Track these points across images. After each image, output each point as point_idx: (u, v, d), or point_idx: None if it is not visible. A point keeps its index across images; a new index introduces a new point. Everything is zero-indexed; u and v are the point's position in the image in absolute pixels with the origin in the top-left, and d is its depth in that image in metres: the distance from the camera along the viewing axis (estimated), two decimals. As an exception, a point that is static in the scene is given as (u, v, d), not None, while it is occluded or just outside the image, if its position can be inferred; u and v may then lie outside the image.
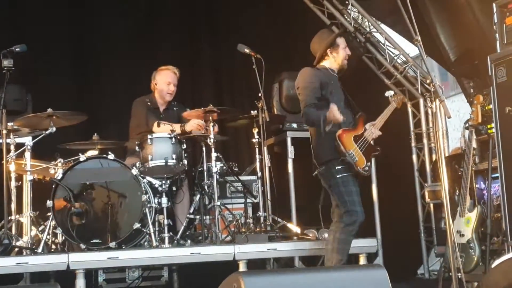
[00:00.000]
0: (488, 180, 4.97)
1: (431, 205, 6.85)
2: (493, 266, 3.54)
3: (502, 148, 4.72)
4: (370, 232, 6.52)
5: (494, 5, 4.84)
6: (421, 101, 7.25)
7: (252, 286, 2.87)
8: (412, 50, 7.15)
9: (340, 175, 4.69)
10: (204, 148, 5.66)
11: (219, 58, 7.51)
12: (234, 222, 5.68)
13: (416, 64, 7.25)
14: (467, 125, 4.97)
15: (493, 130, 4.92)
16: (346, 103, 4.95)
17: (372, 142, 4.89)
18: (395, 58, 7.32)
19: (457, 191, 4.86)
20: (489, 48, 5.02)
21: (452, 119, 8.18)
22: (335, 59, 4.97)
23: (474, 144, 5.63)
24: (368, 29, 7.33)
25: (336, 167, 4.69)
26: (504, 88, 4.71)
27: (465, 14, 5.98)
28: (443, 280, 4.49)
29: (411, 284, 5.10)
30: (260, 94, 5.61)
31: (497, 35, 4.82)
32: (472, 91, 6.09)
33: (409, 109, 7.44)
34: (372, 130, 4.91)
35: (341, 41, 5.04)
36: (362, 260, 5.22)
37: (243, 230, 5.43)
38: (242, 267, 4.97)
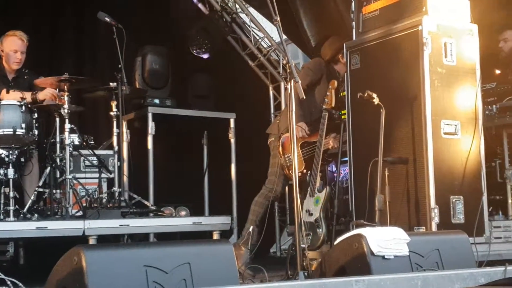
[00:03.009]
0: (338, 163, 5.17)
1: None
2: (335, 243, 3.68)
3: (352, 133, 4.92)
4: (227, 210, 6.61)
5: (352, -6, 5.02)
6: (282, 84, 7.42)
7: (94, 259, 2.77)
8: (277, 34, 7.28)
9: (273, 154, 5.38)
10: (57, 119, 5.41)
11: (81, 25, 7.18)
12: (86, 197, 5.49)
13: (280, 48, 7.40)
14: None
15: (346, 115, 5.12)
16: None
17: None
18: (260, 40, 7.42)
19: (309, 172, 5.01)
20: (347, 36, 5.19)
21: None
22: (344, 65, 5.22)
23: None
24: (234, 10, 7.36)
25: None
26: (357, 74, 4.91)
27: (327, 2, 6.17)
28: (290, 257, 4.61)
29: (262, 262, 5.21)
30: (120, 66, 5.45)
31: (353, 23, 5.00)
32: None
33: (271, 92, 7.59)
34: (331, 142, 5.13)
35: None
36: (215, 237, 5.26)
37: (95, 205, 5.27)
38: (92, 243, 4.82)
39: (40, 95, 5.40)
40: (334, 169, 5.68)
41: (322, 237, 4.79)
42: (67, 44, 7.18)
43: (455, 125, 4.49)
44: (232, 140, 6.85)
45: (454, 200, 4.42)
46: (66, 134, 5.25)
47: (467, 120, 4.55)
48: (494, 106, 5.18)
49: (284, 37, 6.45)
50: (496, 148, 5.23)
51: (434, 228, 4.31)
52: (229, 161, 6.91)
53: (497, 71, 5.78)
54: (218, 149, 7.11)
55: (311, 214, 4.87)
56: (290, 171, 5.09)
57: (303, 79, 4.98)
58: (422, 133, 4.39)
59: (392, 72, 4.63)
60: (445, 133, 4.45)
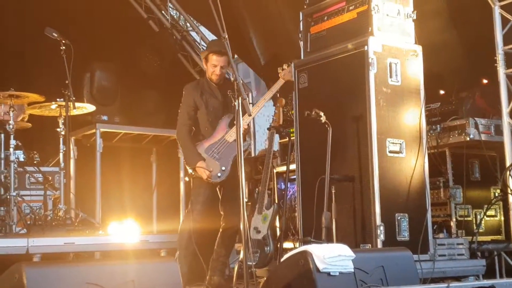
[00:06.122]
0: (286, 181, 5.19)
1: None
2: (281, 260, 3.69)
3: (300, 151, 4.96)
4: (175, 227, 6.55)
5: (300, 13, 5.09)
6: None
7: (35, 277, 2.73)
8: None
9: (194, 177, 4.96)
10: (2, 135, 5.31)
11: (28, 40, 7.07)
12: (31, 215, 5.38)
13: (231, 66, 7.42)
14: (269, 126, 5.16)
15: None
16: (225, 109, 5.00)
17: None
18: (210, 58, 7.42)
19: (257, 189, 5.03)
20: (296, 55, 5.25)
21: (264, 124, 8.52)
22: (207, 71, 5.09)
23: (276, 146, 5.87)
24: (185, 28, 7.38)
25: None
26: (305, 93, 4.96)
27: (275, 22, 6.24)
28: (237, 276, 4.61)
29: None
30: (67, 82, 5.38)
31: (301, 43, 5.06)
32: (278, 95, 6.34)
33: (221, 109, 7.60)
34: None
35: (213, 58, 5.00)
36: (162, 255, 5.20)
37: (40, 222, 5.16)
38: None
39: None
40: (284, 186, 5.72)
41: (270, 254, 4.79)
42: (13, 59, 7.05)
43: (400, 144, 4.57)
44: (181, 158, 6.82)
45: (399, 218, 4.49)
46: (11, 150, 5.17)
47: (411, 139, 4.64)
48: (438, 125, 5.31)
49: (235, 55, 6.50)
50: (440, 167, 5.34)
51: (379, 245, 4.35)
52: (178, 178, 6.87)
53: (441, 92, 5.93)
54: (167, 166, 7.07)
55: (259, 232, 4.87)
56: (209, 179, 4.83)
57: (182, 116, 4.96)
58: (368, 152, 4.46)
59: (339, 91, 4.70)
60: (390, 152, 4.53)
